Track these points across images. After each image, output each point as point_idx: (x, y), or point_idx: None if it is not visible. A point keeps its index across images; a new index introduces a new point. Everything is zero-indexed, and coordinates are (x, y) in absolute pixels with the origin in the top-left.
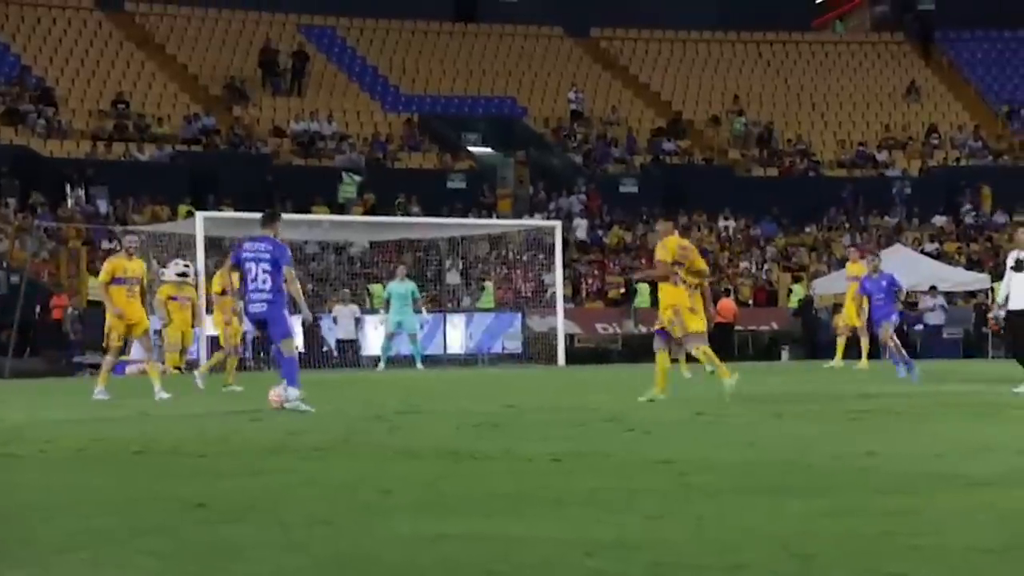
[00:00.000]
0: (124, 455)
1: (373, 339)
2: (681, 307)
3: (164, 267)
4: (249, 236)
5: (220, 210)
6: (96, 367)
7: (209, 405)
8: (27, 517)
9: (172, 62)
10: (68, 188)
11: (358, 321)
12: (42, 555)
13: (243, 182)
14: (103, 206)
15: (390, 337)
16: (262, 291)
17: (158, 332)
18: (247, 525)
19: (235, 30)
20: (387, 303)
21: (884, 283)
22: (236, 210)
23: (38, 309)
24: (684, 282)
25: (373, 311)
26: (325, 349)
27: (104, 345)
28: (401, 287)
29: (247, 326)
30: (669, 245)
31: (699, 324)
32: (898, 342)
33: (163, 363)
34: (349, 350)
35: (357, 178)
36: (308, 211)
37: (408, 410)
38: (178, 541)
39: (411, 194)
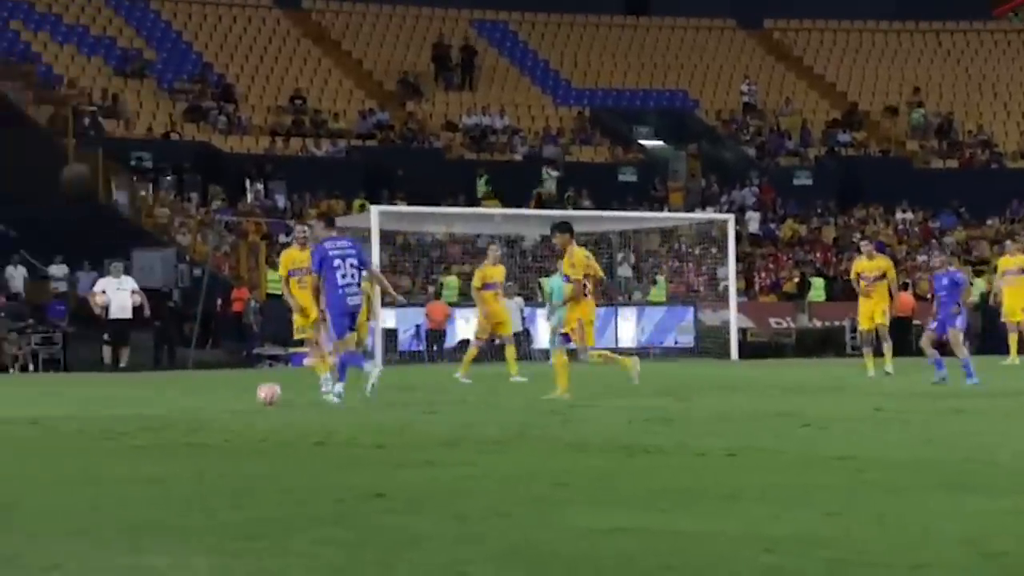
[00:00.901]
0: (304, 445)
1: (544, 332)
2: (585, 321)
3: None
4: (326, 237)
5: (394, 204)
6: (276, 359)
7: (384, 397)
8: (212, 504)
9: (347, 58)
10: (247, 183)
11: (523, 314)
12: (226, 541)
13: (416, 176)
14: (281, 200)
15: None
16: (354, 284)
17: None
18: (424, 516)
19: (408, 26)
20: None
21: (946, 281)
22: (409, 204)
23: (219, 302)
24: (589, 294)
25: (543, 305)
26: (497, 342)
27: (298, 338)
28: (561, 281)
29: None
30: (577, 260)
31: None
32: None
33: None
34: (522, 343)
35: (555, 173)
36: (479, 205)
37: (581, 404)
38: (357, 531)
39: (581, 187)
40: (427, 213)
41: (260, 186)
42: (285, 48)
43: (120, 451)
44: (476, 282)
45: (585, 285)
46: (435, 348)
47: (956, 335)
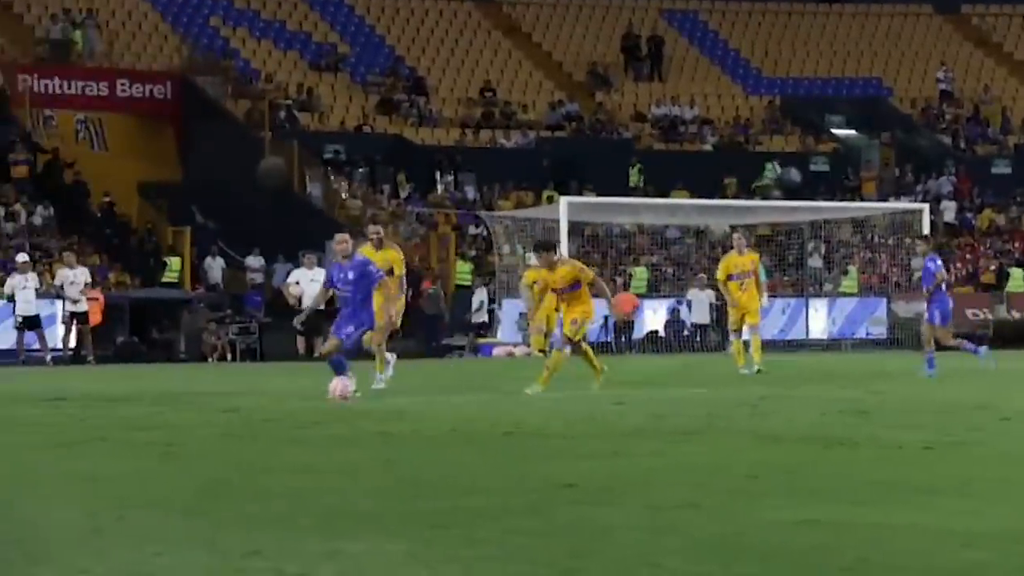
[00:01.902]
0: (494, 435)
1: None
2: (589, 320)
3: (530, 252)
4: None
5: (582, 195)
6: (462, 349)
7: (572, 387)
8: (403, 493)
9: (537, 50)
10: (438, 175)
11: (712, 306)
12: (419, 530)
13: (605, 167)
14: (471, 192)
15: None
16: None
17: (523, 315)
18: (615, 506)
19: (598, 17)
20: None
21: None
22: (598, 195)
23: (410, 292)
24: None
25: None
26: (686, 333)
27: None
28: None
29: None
30: (569, 272)
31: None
32: (935, 336)
33: (528, 346)
34: (707, 333)
35: (780, 170)
36: (668, 195)
37: (771, 395)
38: (548, 520)
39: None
40: (616, 204)
41: (450, 178)
42: (476, 40)
43: (315, 440)
44: (721, 274)
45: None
46: (623, 339)
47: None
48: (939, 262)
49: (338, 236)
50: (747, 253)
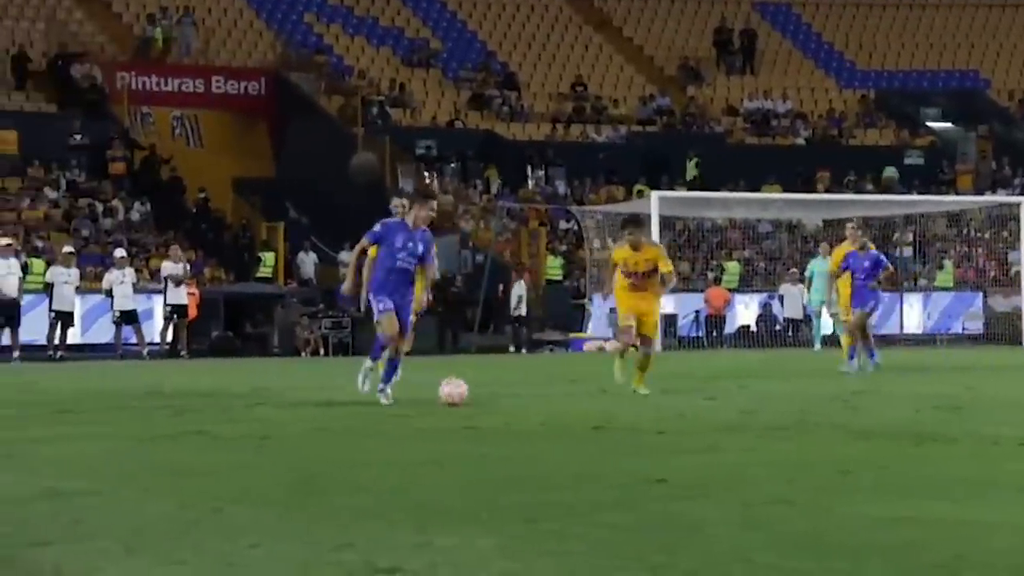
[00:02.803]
0: (584, 430)
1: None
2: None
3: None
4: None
5: (673, 190)
6: (556, 344)
7: (664, 383)
8: (494, 486)
9: (628, 44)
10: (529, 170)
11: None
12: (510, 524)
13: (698, 162)
14: (561, 187)
15: (817, 315)
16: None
17: (614, 310)
18: (706, 502)
19: (690, 10)
20: (809, 281)
21: (867, 263)
22: (689, 189)
23: (501, 287)
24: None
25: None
26: (777, 328)
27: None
28: (824, 264)
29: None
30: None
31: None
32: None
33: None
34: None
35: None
36: (760, 190)
37: (865, 390)
38: (639, 515)
39: (865, 172)
40: (707, 198)
41: (541, 172)
42: (567, 35)
43: (405, 434)
44: (832, 265)
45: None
46: (714, 334)
47: (862, 318)
48: None
49: (430, 201)
50: (860, 243)
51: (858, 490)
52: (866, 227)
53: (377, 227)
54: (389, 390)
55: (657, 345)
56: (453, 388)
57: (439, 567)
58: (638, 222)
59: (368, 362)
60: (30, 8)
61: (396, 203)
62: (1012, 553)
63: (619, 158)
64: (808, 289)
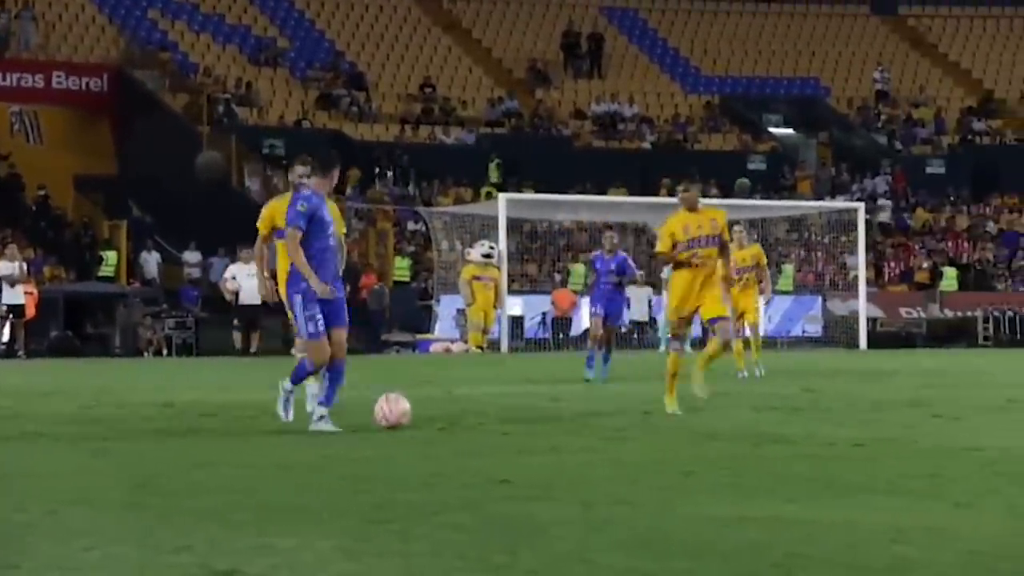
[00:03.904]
0: (429, 431)
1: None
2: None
3: (469, 248)
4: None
5: (521, 192)
6: (403, 345)
7: (510, 384)
8: (336, 488)
9: (477, 46)
10: (377, 170)
11: (651, 304)
12: (353, 525)
13: (545, 164)
14: (410, 188)
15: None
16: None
17: (461, 311)
18: (549, 502)
19: (538, 13)
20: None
21: (614, 265)
22: (537, 192)
23: (348, 288)
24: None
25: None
26: (623, 330)
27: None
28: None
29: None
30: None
31: None
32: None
33: (466, 342)
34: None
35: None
36: (607, 193)
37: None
38: (483, 516)
39: (710, 176)
40: (555, 201)
41: (390, 173)
42: (416, 36)
43: (249, 436)
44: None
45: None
46: (561, 336)
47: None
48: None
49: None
50: (748, 247)
51: (700, 491)
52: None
53: (301, 204)
54: (325, 413)
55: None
56: (393, 406)
57: (279, 569)
58: (691, 178)
59: (287, 384)
60: None
61: (301, 171)
62: (845, 551)
63: (468, 160)
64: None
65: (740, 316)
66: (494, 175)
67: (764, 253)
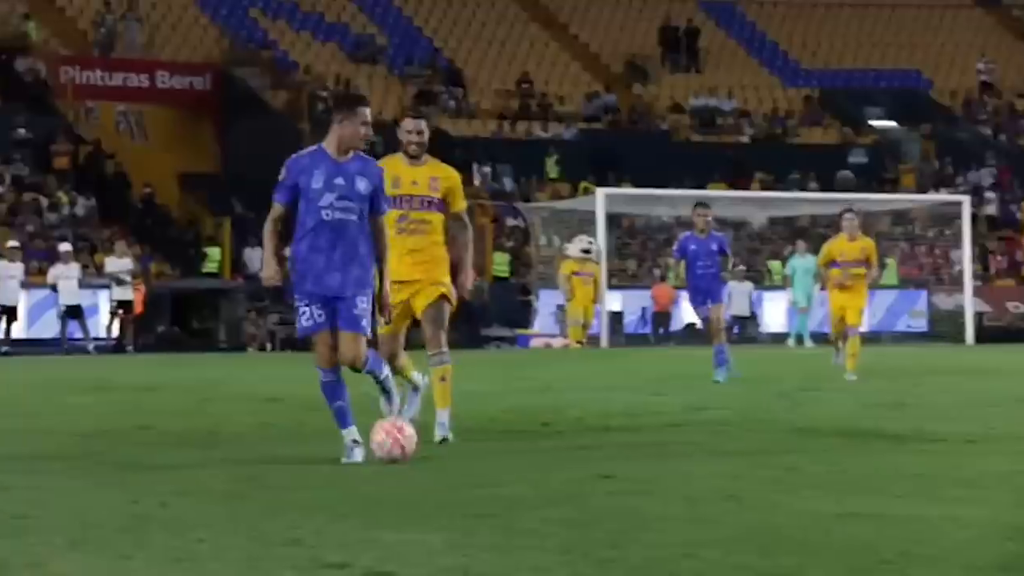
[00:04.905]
0: (532, 426)
1: (772, 315)
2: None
3: (567, 243)
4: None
5: (620, 187)
6: (503, 340)
7: (611, 379)
8: (442, 482)
9: (575, 41)
10: (475, 166)
11: (751, 298)
12: (457, 519)
13: (643, 159)
14: (508, 184)
15: (802, 312)
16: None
17: (561, 307)
18: (653, 497)
19: (635, 8)
20: (791, 279)
21: (714, 246)
22: (635, 187)
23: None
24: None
25: (772, 287)
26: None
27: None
28: (804, 262)
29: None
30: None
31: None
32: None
33: (566, 337)
34: (748, 327)
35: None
36: (705, 188)
37: (810, 387)
38: (587, 511)
39: (810, 170)
40: (653, 196)
41: (487, 169)
42: (514, 32)
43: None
44: (822, 259)
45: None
46: (660, 331)
47: (718, 311)
48: None
49: (362, 110)
50: (859, 239)
51: (805, 486)
52: (815, 225)
53: (283, 173)
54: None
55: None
56: (397, 435)
57: (387, 562)
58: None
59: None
60: None
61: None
62: (957, 548)
63: (566, 155)
64: (791, 287)
65: (841, 319)
66: (552, 171)
67: (876, 247)
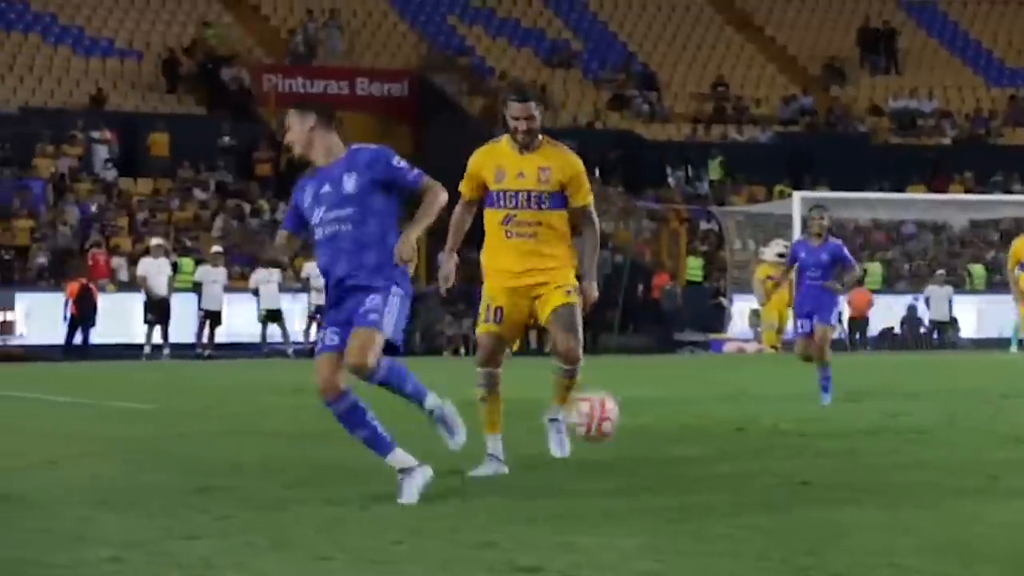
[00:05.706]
0: (726, 432)
1: (966, 321)
2: None
3: (763, 247)
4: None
5: (816, 190)
6: (696, 344)
7: (803, 385)
8: (634, 488)
9: (771, 43)
10: (669, 170)
11: (951, 302)
12: (651, 524)
13: (839, 162)
14: (703, 187)
15: None
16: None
17: (755, 311)
18: (851, 505)
19: (834, 9)
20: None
21: (825, 255)
22: (832, 190)
23: (640, 288)
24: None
25: (972, 292)
26: (922, 330)
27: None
28: None
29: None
30: None
31: None
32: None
33: (760, 342)
34: (946, 331)
35: None
36: (904, 191)
37: (1014, 394)
38: (783, 517)
39: (1013, 171)
40: (850, 199)
41: (681, 173)
42: (708, 35)
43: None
44: (1010, 262)
45: None
46: (857, 336)
47: (826, 332)
48: None
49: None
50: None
51: (1008, 495)
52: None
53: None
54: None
55: None
56: (601, 409)
57: (581, 567)
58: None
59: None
60: (181, 12)
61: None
62: None
63: (761, 158)
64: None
65: None
66: (715, 172)
67: None
